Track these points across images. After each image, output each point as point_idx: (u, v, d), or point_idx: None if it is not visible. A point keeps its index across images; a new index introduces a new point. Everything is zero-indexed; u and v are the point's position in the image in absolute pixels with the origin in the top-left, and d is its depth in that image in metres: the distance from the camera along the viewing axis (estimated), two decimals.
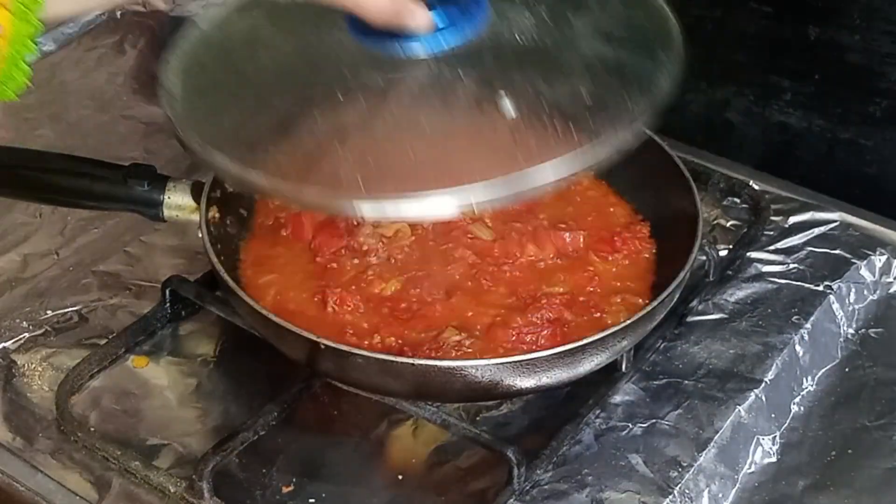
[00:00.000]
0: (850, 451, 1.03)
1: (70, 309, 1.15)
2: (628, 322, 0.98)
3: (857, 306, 1.18)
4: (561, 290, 1.08)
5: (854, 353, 1.13)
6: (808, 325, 1.13)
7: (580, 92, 0.88)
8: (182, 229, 1.18)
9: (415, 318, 1.04)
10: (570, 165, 0.81)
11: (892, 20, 1.23)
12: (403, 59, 0.88)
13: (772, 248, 1.23)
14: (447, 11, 0.89)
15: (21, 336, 1.12)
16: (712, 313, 1.16)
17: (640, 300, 1.08)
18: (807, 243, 1.24)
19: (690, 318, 1.15)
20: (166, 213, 1.08)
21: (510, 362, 0.94)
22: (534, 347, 1.01)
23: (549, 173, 0.80)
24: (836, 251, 1.22)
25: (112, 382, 1.08)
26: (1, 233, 1.24)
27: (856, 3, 1.24)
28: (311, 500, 0.98)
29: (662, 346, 1.11)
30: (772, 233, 1.25)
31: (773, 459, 1.03)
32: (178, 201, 1.07)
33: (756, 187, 1.30)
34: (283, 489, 0.98)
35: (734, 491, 1.00)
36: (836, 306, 1.16)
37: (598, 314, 1.06)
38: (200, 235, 1.04)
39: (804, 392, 1.09)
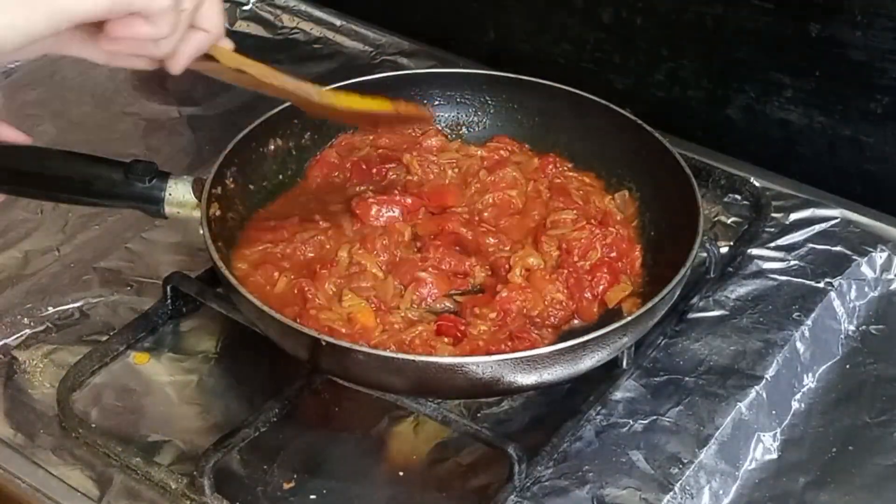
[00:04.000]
0: (850, 447, 1.03)
1: (71, 305, 1.15)
2: (629, 319, 0.98)
3: (857, 303, 1.18)
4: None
5: (855, 350, 1.13)
6: (809, 322, 1.13)
7: None
8: (183, 226, 1.18)
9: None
10: None
11: (893, 17, 1.22)
12: None
13: (772, 244, 1.23)
14: None
15: (22, 333, 1.12)
16: (713, 310, 1.16)
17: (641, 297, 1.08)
18: (807, 240, 1.24)
19: (691, 315, 1.15)
20: (167, 209, 1.07)
21: (511, 359, 0.94)
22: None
23: None
24: (837, 248, 1.22)
25: (113, 379, 1.08)
26: (2, 230, 1.24)
27: None
28: (312, 497, 0.98)
29: (663, 342, 1.11)
30: (772, 229, 1.25)
31: (774, 456, 1.03)
32: (179, 198, 1.07)
33: (757, 184, 1.30)
34: (285, 485, 0.98)
35: (735, 487, 1.00)
36: (836, 303, 1.16)
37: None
38: (201, 232, 1.04)
39: (805, 389, 1.09)
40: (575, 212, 1.15)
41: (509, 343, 1.03)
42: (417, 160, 1.21)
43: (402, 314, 1.05)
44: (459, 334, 1.03)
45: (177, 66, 0.90)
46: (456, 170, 1.21)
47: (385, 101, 1.10)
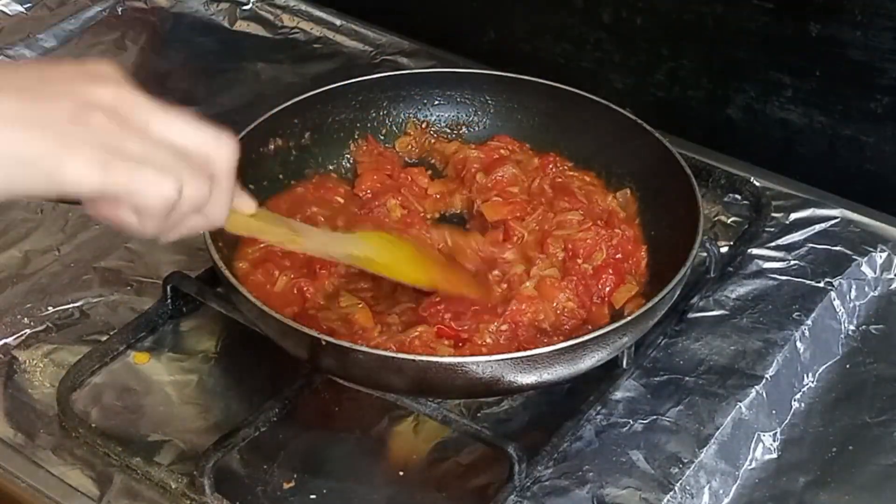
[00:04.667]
0: (850, 447, 1.03)
1: (71, 305, 1.15)
2: (629, 318, 0.98)
3: (857, 303, 1.18)
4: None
5: (855, 350, 1.13)
6: (809, 322, 1.13)
7: None
8: None
9: None
10: None
11: (893, 17, 1.22)
12: None
13: (773, 244, 1.23)
14: None
15: (22, 332, 1.12)
16: (713, 310, 1.16)
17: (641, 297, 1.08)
18: (808, 240, 1.24)
19: (691, 315, 1.14)
20: None
21: (511, 358, 0.94)
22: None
23: None
24: (837, 248, 1.22)
25: (113, 379, 1.08)
26: (2, 229, 1.24)
27: None
28: (312, 496, 0.98)
29: (663, 342, 1.11)
30: (773, 229, 1.25)
31: (774, 456, 1.03)
32: None
33: (757, 184, 1.30)
34: (285, 485, 0.98)
35: (735, 487, 1.00)
36: (836, 303, 1.16)
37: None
38: (201, 231, 1.04)
39: (805, 388, 1.09)
40: (581, 212, 1.15)
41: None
42: (401, 204, 1.19)
43: (398, 317, 1.05)
44: (461, 341, 1.03)
45: (166, 239, 0.81)
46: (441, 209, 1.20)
47: (426, 273, 1.05)
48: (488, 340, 1.03)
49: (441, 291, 1.04)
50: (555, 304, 1.06)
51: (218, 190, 0.80)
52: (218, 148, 0.79)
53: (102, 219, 0.77)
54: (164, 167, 0.74)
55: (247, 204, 0.90)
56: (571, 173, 1.22)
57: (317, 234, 1.03)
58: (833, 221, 1.26)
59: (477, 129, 1.29)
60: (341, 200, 1.20)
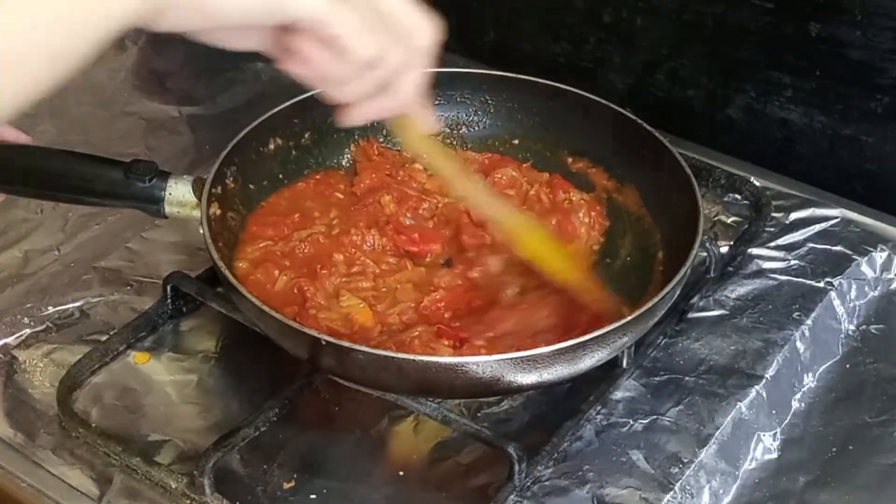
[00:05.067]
0: (850, 447, 1.03)
1: (71, 305, 1.15)
2: (629, 318, 0.97)
3: (857, 303, 1.18)
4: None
5: (855, 350, 1.13)
6: (809, 322, 1.13)
7: None
8: (183, 225, 1.18)
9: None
10: None
11: (893, 16, 1.22)
12: None
13: (773, 244, 1.23)
14: None
15: (22, 332, 1.12)
16: (713, 310, 1.16)
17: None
18: (808, 240, 1.24)
19: (691, 315, 1.15)
20: (167, 209, 1.07)
21: (511, 358, 0.94)
22: None
23: None
24: (837, 247, 1.22)
25: (113, 378, 1.08)
26: (2, 229, 1.24)
27: None
28: (312, 496, 0.98)
29: (663, 342, 1.11)
30: (773, 229, 1.25)
31: (774, 456, 1.03)
32: (179, 197, 1.07)
33: (757, 184, 1.30)
34: (285, 485, 0.98)
35: (735, 487, 1.00)
36: (836, 303, 1.16)
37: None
38: (202, 232, 1.04)
39: (805, 388, 1.09)
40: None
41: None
42: (394, 202, 1.18)
43: (398, 317, 1.05)
44: (459, 342, 1.03)
45: (348, 120, 0.84)
46: (436, 219, 1.19)
47: (581, 277, 1.07)
48: (483, 342, 1.03)
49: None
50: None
51: (413, 65, 0.81)
52: (422, 25, 0.81)
53: (305, 62, 0.78)
54: (373, 27, 0.77)
55: (429, 122, 0.90)
56: (576, 199, 1.21)
57: (479, 188, 1.03)
58: (833, 221, 1.26)
59: (477, 128, 1.29)
60: (340, 196, 1.20)
